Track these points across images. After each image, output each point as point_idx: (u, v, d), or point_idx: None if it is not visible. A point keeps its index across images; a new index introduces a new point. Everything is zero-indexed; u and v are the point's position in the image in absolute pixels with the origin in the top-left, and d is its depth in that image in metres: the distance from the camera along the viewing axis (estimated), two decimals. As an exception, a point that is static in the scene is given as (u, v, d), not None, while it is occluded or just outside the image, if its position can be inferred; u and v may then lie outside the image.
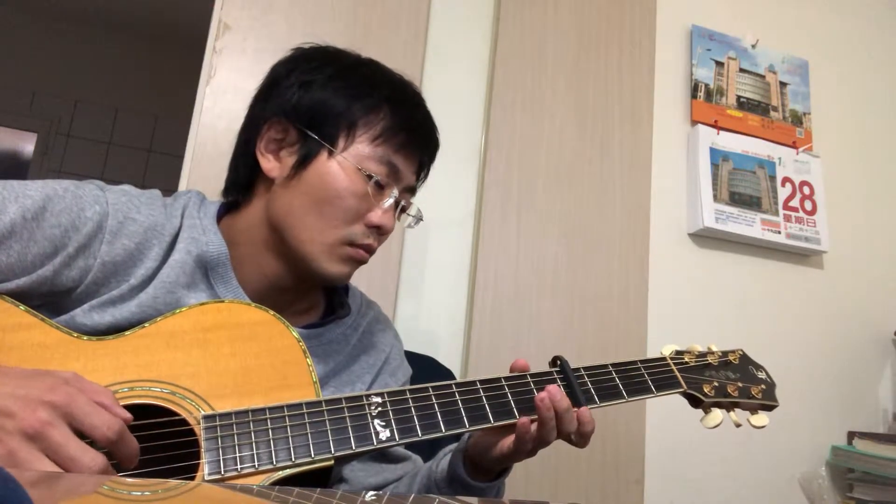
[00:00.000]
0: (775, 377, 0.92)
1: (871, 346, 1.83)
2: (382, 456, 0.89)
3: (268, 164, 0.81)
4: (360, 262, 0.82)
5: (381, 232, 0.81)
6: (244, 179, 0.85)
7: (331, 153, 0.78)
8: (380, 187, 0.80)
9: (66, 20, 3.67)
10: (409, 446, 0.93)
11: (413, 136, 0.82)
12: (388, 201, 0.81)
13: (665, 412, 1.54)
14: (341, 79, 0.81)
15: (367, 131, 0.79)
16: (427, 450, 1.00)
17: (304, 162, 0.79)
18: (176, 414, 0.62)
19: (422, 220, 0.90)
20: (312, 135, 0.79)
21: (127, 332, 0.67)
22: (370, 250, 0.82)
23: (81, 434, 0.52)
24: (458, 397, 0.72)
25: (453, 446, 0.85)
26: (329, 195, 0.77)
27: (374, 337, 0.92)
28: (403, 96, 0.84)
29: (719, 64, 1.85)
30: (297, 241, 0.78)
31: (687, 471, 1.59)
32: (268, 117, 0.81)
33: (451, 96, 1.61)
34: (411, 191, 0.87)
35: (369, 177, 0.78)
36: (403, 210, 0.85)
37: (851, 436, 1.70)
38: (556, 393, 0.73)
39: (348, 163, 0.78)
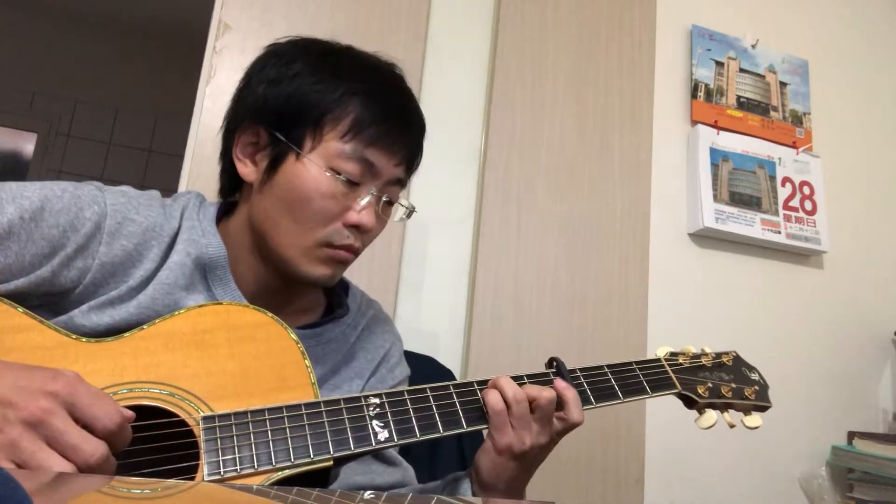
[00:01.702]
0: (775, 377, 0.93)
1: (871, 346, 1.83)
2: (374, 455, 0.89)
3: (244, 169, 0.80)
4: (343, 262, 0.80)
5: (361, 231, 0.78)
6: (228, 185, 0.85)
7: (298, 155, 0.76)
8: (353, 185, 0.77)
9: (66, 20, 3.67)
10: (405, 456, 0.93)
11: (387, 127, 0.78)
12: (365, 199, 0.77)
13: (665, 412, 1.54)
14: (308, 74, 0.78)
15: (334, 127, 0.76)
16: (426, 460, 1.00)
17: (274, 165, 0.77)
18: (175, 415, 0.62)
19: (414, 211, 0.86)
20: (280, 136, 0.77)
21: (126, 334, 0.67)
22: (351, 250, 0.79)
23: (82, 424, 0.53)
24: (455, 398, 0.73)
25: (459, 473, 0.83)
26: (299, 198, 0.75)
27: (374, 335, 0.92)
28: (375, 85, 0.79)
29: (719, 64, 1.85)
30: (277, 246, 0.78)
31: (687, 471, 1.59)
32: (240, 121, 0.80)
33: (451, 96, 1.61)
34: (398, 183, 0.82)
35: (339, 175, 0.75)
36: (391, 204, 0.82)
37: (851, 436, 1.70)
38: (504, 386, 0.73)
39: (316, 163, 0.75)
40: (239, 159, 0.81)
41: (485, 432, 0.75)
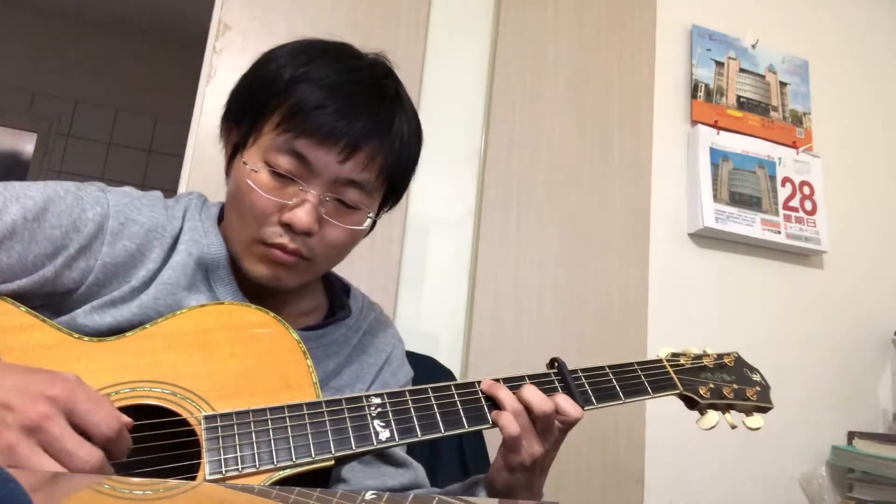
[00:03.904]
0: (775, 377, 0.93)
1: (871, 346, 1.83)
2: (383, 458, 0.89)
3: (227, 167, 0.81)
4: (282, 264, 0.74)
5: (295, 231, 0.72)
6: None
7: (241, 151, 0.75)
8: (287, 182, 0.72)
9: (66, 20, 3.67)
10: (412, 455, 0.93)
11: (322, 116, 0.70)
12: (296, 198, 0.72)
13: (665, 412, 1.54)
14: (269, 65, 0.76)
15: (270, 119, 0.73)
16: (427, 460, 0.99)
17: (229, 162, 0.79)
18: (177, 414, 0.62)
19: (373, 220, 0.80)
20: (236, 133, 0.78)
21: (128, 333, 0.67)
22: (285, 250, 0.73)
23: (81, 430, 0.52)
24: (457, 398, 0.73)
25: (478, 477, 0.83)
26: (236, 193, 0.75)
27: (375, 338, 0.92)
28: (323, 73, 0.73)
29: (719, 64, 1.85)
30: (229, 242, 0.78)
31: (687, 471, 1.59)
32: (224, 121, 0.81)
33: (451, 96, 1.61)
34: (354, 185, 0.74)
35: (271, 169, 0.72)
36: (353, 207, 0.76)
37: (851, 436, 1.70)
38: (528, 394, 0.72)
39: (253, 157, 0.73)
40: (226, 158, 0.82)
41: (484, 432, 0.75)
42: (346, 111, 0.72)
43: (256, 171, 0.72)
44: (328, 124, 0.71)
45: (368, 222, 0.78)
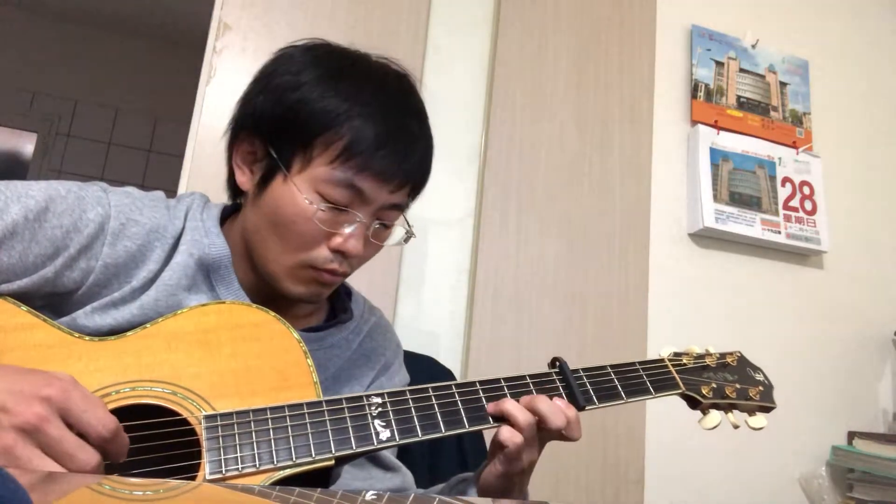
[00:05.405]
0: (775, 377, 0.92)
1: (871, 346, 1.83)
2: (373, 460, 0.88)
3: (242, 177, 0.79)
4: (327, 284, 0.78)
5: (346, 256, 0.76)
6: (231, 187, 0.84)
7: (286, 176, 0.74)
8: (340, 211, 0.74)
9: (66, 20, 3.67)
10: (405, 455, 0.93)
11: (381, 154, 0.73)
12: (352, 227, 0.75)
13: (665, 412, 1.54)
14: (310, 90, 0.74)
15: (323, 151, 0.73)
16: (427, 460, 0.99)
17: (264, 182, 0.76)
18: (177, 414, 0.62)
19: (413, 237, 0.83)
20: (273, 153, 0.75)
21: (129, 333, 0.67)
22: (335, 273, 0.76)
23: (76, 431, 0.53)
24: (458, 398, 0.72)
25: (466, 475, 0.82)
26: (283, 220, 0.74)
27: (375, 342, 0.92)
28: (374, 108, 0.75)
29: (719, 64, 1.85)
30: (262, 260, 0.77)
31: (687, 471, 1.59)
32: (242, 128, 0.79)
33: (451, 96, 1.61)
34: (394, 208, 0.78)
35: (325, 202, 0.73)
36: (387, 227, 0.80)
37: (851, 436, 1.70)
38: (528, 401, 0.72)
39: (303, 186, 0.73)
40: (238, 167, 0.79)
41: (484, 432, 0.75)
42: (403, 151, 0.76)
43: (311, 203, 0.73)
44: (391, 166, 0.74)
45: (403, 234, 0.83)
